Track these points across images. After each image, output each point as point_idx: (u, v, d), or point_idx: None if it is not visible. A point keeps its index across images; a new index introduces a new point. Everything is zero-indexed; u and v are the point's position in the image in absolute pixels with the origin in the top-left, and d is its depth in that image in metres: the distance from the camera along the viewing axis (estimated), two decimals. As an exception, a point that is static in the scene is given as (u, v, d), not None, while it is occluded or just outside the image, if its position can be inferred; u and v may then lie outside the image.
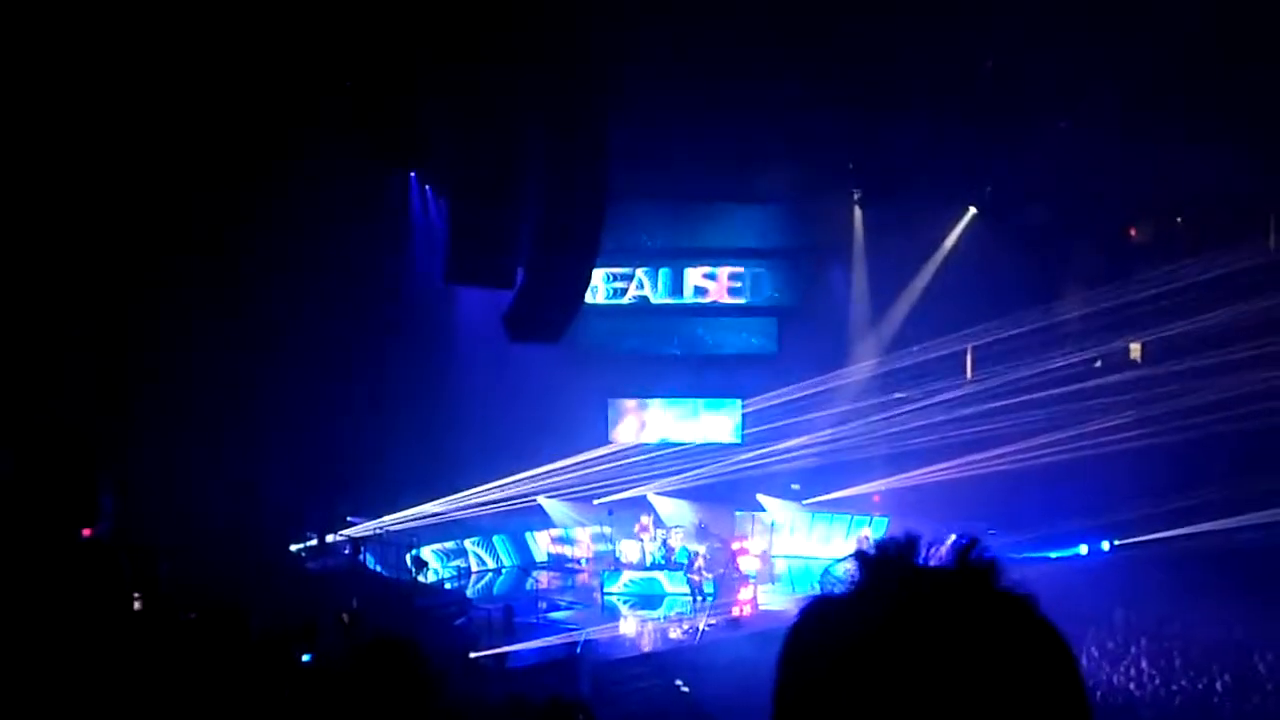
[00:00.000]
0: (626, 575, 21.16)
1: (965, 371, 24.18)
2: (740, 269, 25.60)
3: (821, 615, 1.12)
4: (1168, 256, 22.29)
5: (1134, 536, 20.38)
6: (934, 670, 1.02)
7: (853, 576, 1.14)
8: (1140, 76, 17.34)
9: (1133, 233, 24.17)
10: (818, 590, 1.15)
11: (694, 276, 25.72)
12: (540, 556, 23.83)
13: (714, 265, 25.64)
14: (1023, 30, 16.87)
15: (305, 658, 5.43)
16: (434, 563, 21.71)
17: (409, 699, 3.23)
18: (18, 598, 2.54)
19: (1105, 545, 20.85)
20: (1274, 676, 15.44)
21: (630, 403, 25.58)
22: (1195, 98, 17.66)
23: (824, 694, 1.05)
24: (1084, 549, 20.73)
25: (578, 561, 23.63)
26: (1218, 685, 15.19)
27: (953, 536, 1.14)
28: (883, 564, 1.13)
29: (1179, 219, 23.65)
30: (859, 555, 1.15)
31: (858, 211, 24.06)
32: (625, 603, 20.44)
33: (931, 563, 1.13)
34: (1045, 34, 17.07)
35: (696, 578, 19.15)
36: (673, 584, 20.36)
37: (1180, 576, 18.20)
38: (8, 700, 2.31)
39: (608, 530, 23.33)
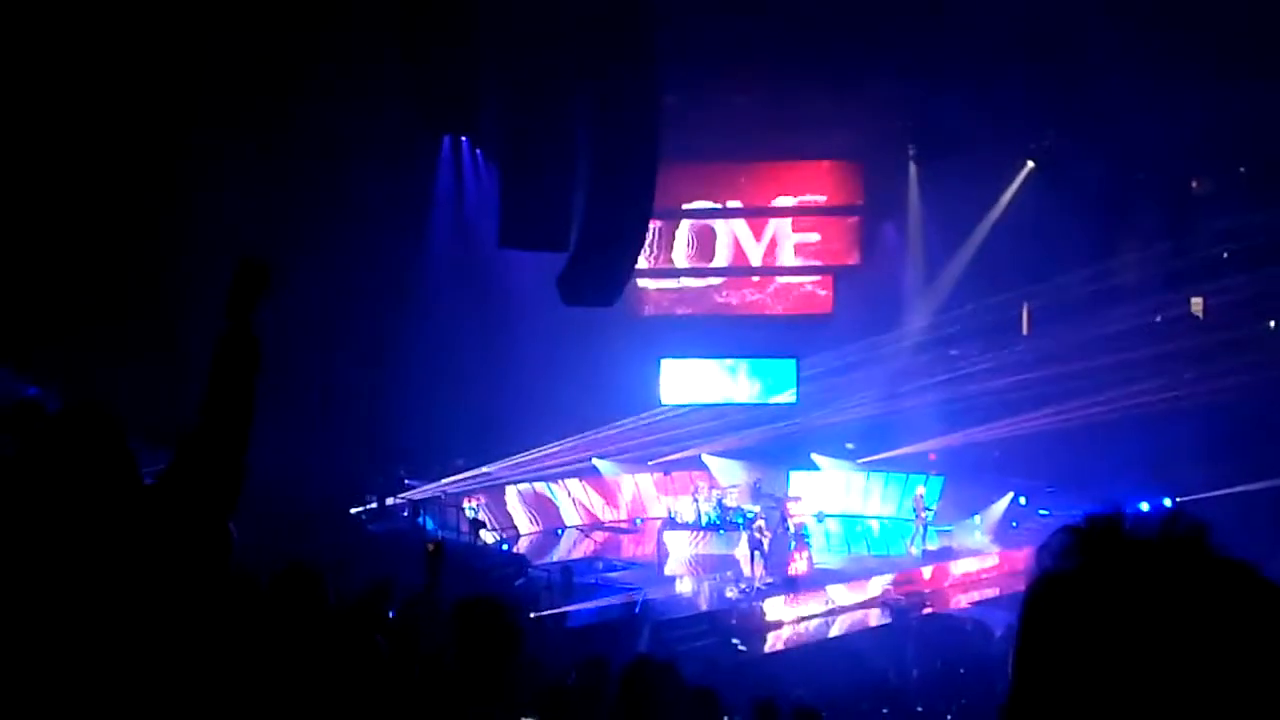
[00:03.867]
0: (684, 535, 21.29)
1: (1022, 329, 23.92)
2: (795, 227, 25.49)
3: (1055, 597, 1.13)
4: (1231, 208, 21.83)
5: (1195, 494, 20.11)
6: (1185, 643, 1.04)
7: (1069, 552, 1.15)
8: (1198, 25, 16.97)
9: (1194, 185, 23.68)
10: (1037, 570, 1.16)
11: (745, 236, 25.65)
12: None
13: (769, 223, 25.56)
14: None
15: (389, 614, 5.56)
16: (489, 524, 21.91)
17: (505, 658, 3.30)
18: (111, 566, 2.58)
19: (1166, 502, 20.58)
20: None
21: (684, 363, 25.61)
22: (1256, 44, 17.24)
23: (1078, 676, 1.08)
24: (1145, 506, 20.51)
25: (632, 521, 23.78)
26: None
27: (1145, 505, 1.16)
28: (1099, 539, 1.14)
29: (1241, 169, 23.13)
30: (1071, 530, 1.16)
31: (913, 168, 23.77)
32: (684, 561, 20.59)
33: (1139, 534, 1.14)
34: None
35: (758, 535, 19.19)
36: (730, 544, 20.43)
37: (1244, 534, 17.94)
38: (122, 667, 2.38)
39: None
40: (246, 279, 2.89)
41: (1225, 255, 22.63)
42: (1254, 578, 1.10)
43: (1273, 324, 21.45)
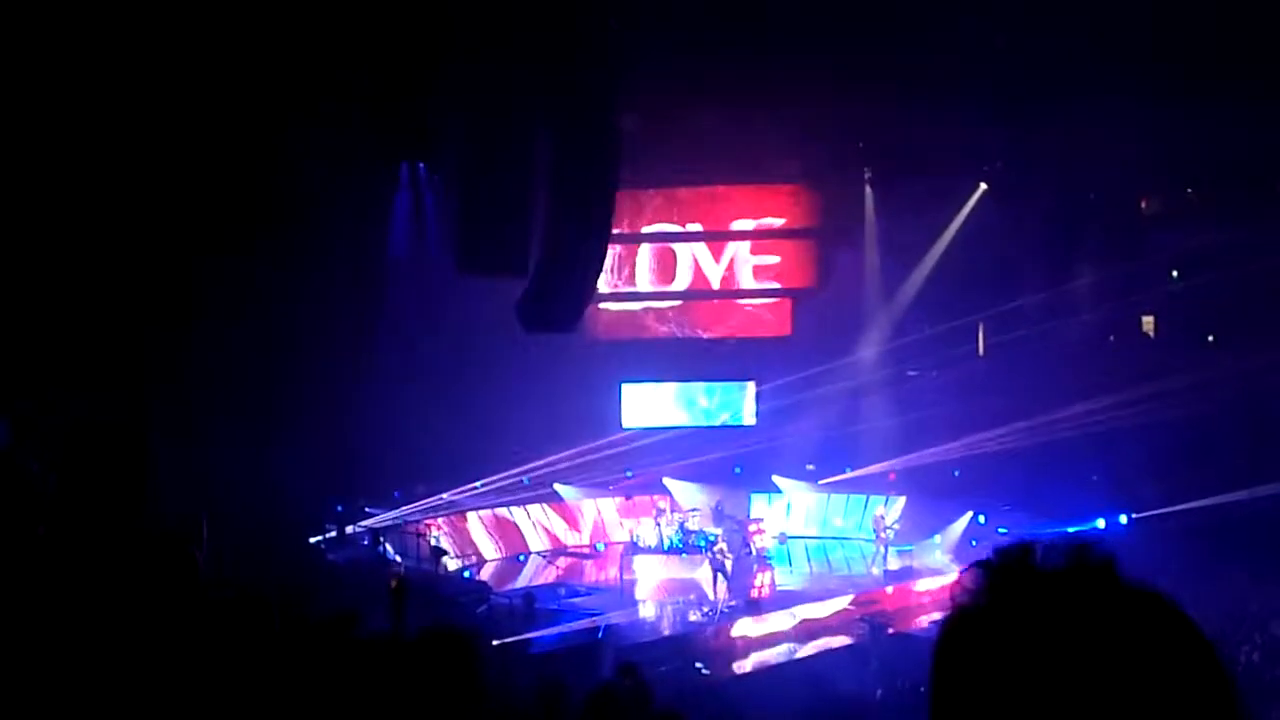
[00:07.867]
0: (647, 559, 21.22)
1: (978, 349, 24.17)
2: (754, 249, 25.63)
3: (967, 632, 1.14)
4: (1179, 228, 22.23)
5: (1151, 510, 20.36)
6: (1094, 674, 1.06)
7: (980, 587, 1.16)
8: (1146, 47, 17.31)
9: (1143, 205, 24.11)
10: (950, 604, 1.17)
11: (705, 259, 25.75)
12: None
13: (727, 247, 25.70)
14: (1028, 6, 16.90)
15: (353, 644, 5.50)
16: (452, 551, 21.75)
17: (466, 691, 3.27)
18: (91, 593, 2.57)
19: (1123, 519, 20.83)
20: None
21: (645, 387, 25.64)
22: (1204, 67, 17.59)
23: (989, 709, 1.09)
24: (1101, 523, 20.74)
25: (594, 546, 23.70)
26: (1240, 656, 15.19)
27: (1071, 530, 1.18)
28: (1008, 574, 1.15)
29: (1189, 190, 23.58)
30: (982, 565, 1.17)
31: (869, 191, 24.04)
32: (647, 586, 20.51)
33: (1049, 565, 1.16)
34: (1051, 9, 17.09)
35: (720, 558, 19.19)
36: (693, 567, 20.41)
37: (1197, 548, 18.16)
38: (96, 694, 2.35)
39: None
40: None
41: (1175, 274, 23.03)
42: (1161, 607, 1.11)
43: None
